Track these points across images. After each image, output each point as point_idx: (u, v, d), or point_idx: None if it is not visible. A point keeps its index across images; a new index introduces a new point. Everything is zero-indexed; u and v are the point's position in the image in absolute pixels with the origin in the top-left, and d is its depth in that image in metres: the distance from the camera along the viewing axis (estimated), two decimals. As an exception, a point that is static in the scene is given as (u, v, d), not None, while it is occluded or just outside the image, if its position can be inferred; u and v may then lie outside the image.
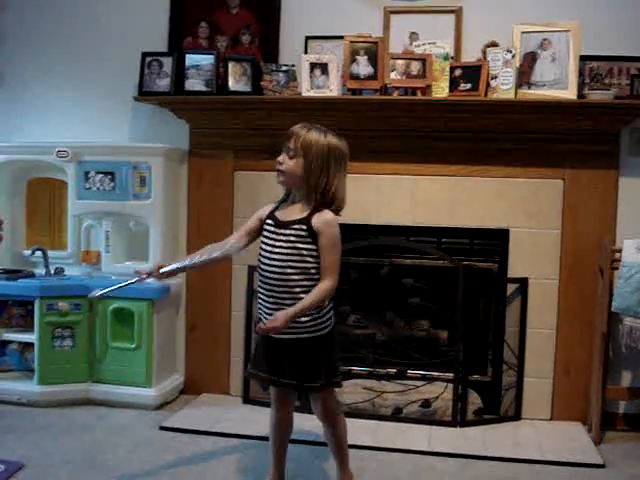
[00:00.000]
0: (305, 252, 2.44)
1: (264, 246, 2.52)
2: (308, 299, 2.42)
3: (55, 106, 4.08)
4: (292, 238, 2.45)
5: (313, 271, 2.45)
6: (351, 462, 2.75)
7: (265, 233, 2.53)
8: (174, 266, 2.61)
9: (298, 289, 2.45)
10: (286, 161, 2.46)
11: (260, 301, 2.55)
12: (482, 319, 3.80)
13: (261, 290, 2.53)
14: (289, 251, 2.45)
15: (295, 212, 2.48)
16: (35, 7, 4.06)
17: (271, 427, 2.72)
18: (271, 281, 2.48)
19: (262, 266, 2.51)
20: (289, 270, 2.44)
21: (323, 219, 2.44)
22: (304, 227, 2.44)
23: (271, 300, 2.49)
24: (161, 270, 2.59)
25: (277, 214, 2.53)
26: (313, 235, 2.43)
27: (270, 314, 2.46)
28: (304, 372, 2.50)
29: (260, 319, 2.55)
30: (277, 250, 2.46)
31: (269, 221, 2.53)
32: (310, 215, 2.44)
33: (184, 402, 3.82)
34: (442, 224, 3.69)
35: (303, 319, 2.45)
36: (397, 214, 3.71)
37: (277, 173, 2.50)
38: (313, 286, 2.45)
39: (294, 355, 2.49)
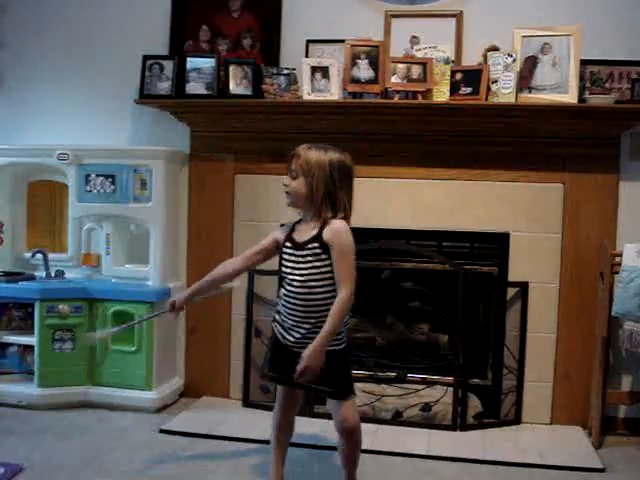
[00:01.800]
0: (324, 268, 2.48)
1: (285, 269, 2.56)
2: (330, 321, 2.43)
3: (56, 109, 4.08)
4: (309, 258, 2.49)
5: (334, 289, 2.49)
6: (351, 465, 2.76)
7: (285, 256, 2.57)
8: (188, 292, 2.71)
9: (322, 307, 2.49)
10: (290, 182, 2.51)
11: (281, 315, 2.59)
12: (482, 323, 3.80)
13: (285, 306, 2.57)
14: (309, 271, 2.49)
15: (307, 230, 2.53)
16: (36, 10, 4.07)
17: (274, 429, 2.72)
18: (295, 301, 2.52)
19: (286, 287, 2.56)
20: (312, 290, 2.49)
21: (332, 230, 2.47)
22: (317, 245, 2.48)
23: (295, 318, 2.53)
24: (177, 301, 2.74)
25: (294, 235, 2.56)
26: (327, 250, 2.47)
27: (293, 330, 2.53)
28: (321, 378, 2.49)
29: (277, 328, 2.62)
30: (297, 272, 2.51)
31: (288, 244, 2.56)
32: (321, 230, 2.48)
33: (184, 405, 3.82)
34: (442, 228, 3.69)
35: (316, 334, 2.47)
36: (398, 218, 3.71)
37: (285, 195, 2.55)
38: (335, 293, 2.49)
39: None
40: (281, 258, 2.59)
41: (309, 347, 2.42)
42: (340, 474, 2.73)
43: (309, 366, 2.40)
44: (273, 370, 2.68)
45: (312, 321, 2.50)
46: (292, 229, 2.59)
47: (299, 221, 2.61)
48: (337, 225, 2.48)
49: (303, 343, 2.49)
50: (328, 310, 2.45)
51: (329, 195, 2.47)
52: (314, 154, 2.48)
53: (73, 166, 3.78)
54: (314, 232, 2.49)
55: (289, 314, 2.54)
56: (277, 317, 2.63)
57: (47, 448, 3.15)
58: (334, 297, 2.47)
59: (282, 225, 2.67)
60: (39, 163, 3.87)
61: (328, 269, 2.48)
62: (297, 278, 2.50)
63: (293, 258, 2.53)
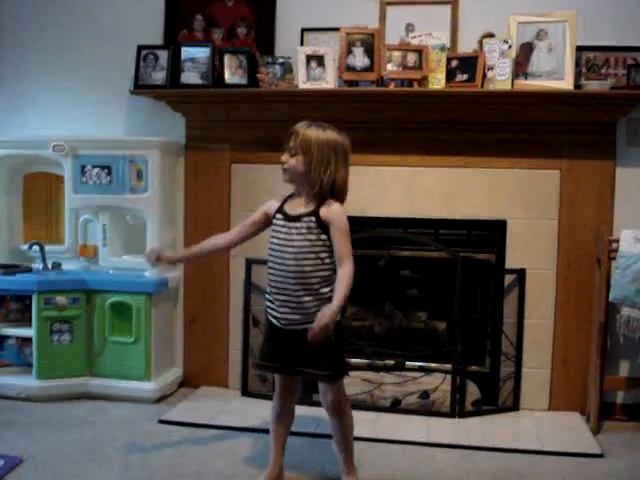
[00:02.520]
0: (317, 243, 2.52)
1: (275, 240, 2.57)
2: (341, 288, 2.47)
3: (51, 100, 4.06)
4: (303, 230, 2.52)
5: (327, 261, 2.54)
6: (350, 454, 2.77)
7: (275, 227, 2.59)
8: (176, 256, 2.72)
9: (313, 280, 2.52)
10: (288, 159, 2.53)
11: (272, 295, 2.60)
12: (480, 310, 3.81)
13: (274, 284, 2.58)
14: (302, 243, 2.51)
15: (302, 206, 2.56)
16: (30, 2, 4.05)
17: (274, 417, 2.73)
18: (285, 274, 2.53)
19: (275, 259, 2.56)
20: (303, 262, 2.51)
21: (331, 209, 2.51)
22: (313, 219, 2.51)
23: (285, 292, 2.54)
24: (162, 255, 2.79)
25: (286, 208, 2.59)
26: (323, 226, 2.51)
27: (284, 307, 2.55)
28: (317, 361, 2.54)
29: (268, 313, 2.63)
30: (289, 243, 2.53)
31: (279, 215, 2.59)
32: (317, 207, 2.52)
33: (183, 395, 3.83)
34: (439, 216, 3.69)
35: (313, 309, 2.50)
36: (394, 206, 3.71)
37: (282, 171, 2.57)
38: (328, 276, 2.54)
39: (305, 345, 2.51)
40: (272, 230, 2.60)
41: (326, 308, 2.44)
42: (337, 462, 2.75)
43: (325, 324, 2.41)
44: (266, 359, 2.67)
45: (302, 293, 2.52)
46: (284, 202, 2.62)
47: (291, 195, 2.63)
48: (336, 206, 2.53)
49: (294, 320, 2.54)
50: (317, 286, 2.51)
51: (326, 174, 2.50)
52: (313, 132, 2.51)
53: (69, 157, 3.77)
54: (311, 207, 2.53)
55: (279, 289, 2.56)
56: (268, 297, 2.64)
57: (46, 440, 3.15)
58: (323, 272, 2.53)
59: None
60: (34, 155, 3.86)
61: (320, 244, 2.52)
62: (289, 250, 2.52)
63: (285, 230, 2.55)
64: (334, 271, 2.53)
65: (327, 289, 2.54)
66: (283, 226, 2.56)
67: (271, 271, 2.59)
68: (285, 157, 2.54)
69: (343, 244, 2.51)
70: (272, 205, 2.65)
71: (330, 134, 2.53)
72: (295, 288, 2.53)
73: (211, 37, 3.83)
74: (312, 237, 2.52)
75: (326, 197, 2.52)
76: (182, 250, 2.76)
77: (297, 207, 2.57)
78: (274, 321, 2.61)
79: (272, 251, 2.58)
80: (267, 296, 2.65)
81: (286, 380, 2.70)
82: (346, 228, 2.53)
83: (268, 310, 2.64)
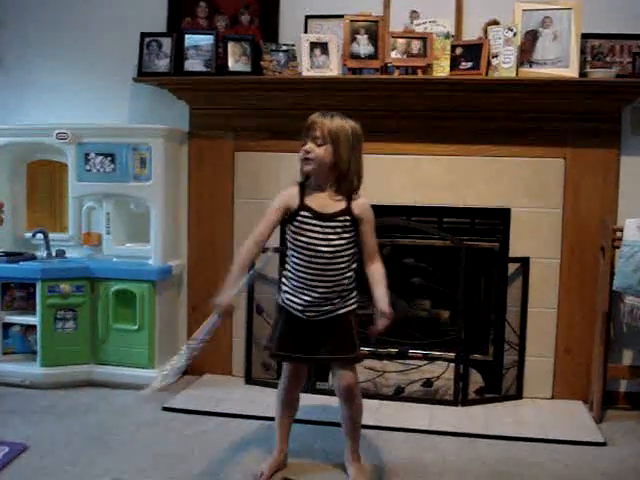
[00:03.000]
0: (351, 240, 2.53)
1: (304, 238, 2.52)
2: (383, 284, 2.54)
3: (54, 88, 4.06)
4: (339, 230, 2.51)
5: (354, 257, 2.57)
6: (353, 441, 2.77)
7: (303, 225, 2.52)
8: (230, 293, 2.53)
9: (346, 275, 2.55)
10: (314, 149, 2.47)
11: (296, 290, 2.56)
12: (483, 299, 3.81)
13: (302, 281, 2.55)
14: (338, 242, 2.51)
15: (331, 202, 2.53)
16: (33, -12, 4.04)
17: (280, 405, 2.74)
18: (320, 272, 2.52)
19: (305, 257, 2.53)
20: (338, 260, 2.52)
21: (362, 205, 2.54)
22: (348, 218, 2.51)
23: (316, 290, 2.53)
24: (226, 306, 2.56)
25: (311, 205, 2.52)
26: (355, 223, 2.52)
27: (312, 302, 2.53)
28: (341, 346, 2.57)
29: (290, 306, 2.59)
30: (325, 242, 2.50)
31: (306, 213, 2.52)
32: (349, 204, 2.52)
33: (186, 383, 3.83)
34: (443, 204, 3.68)
35: (338, 301, 2.56)
36: (398, 194, 3.70)
37: (304, 161, 2.51)
38: (352, 271, 2.57)
39: (331, 331, 2.56)
40: (296, 227, 2.53)
41: (384, 304, 2.49)
42: (341, 450, 2.75)
43: (390, 319, 2.47)
44: (286, 349, 2.62)
45: (332, 290, 2.53)
46: (302, 194, 2.55)
47: (304, 186, 2.56)
48: (364, 200, 2.55)
49: (320, 312, 2.55)
50: (347, 281, 2.55)
51: (353, 164, 2.50)
52: (338, 122, 2.48)
53: (72, 145, 3.77)
54: (342, 205, 2.52)
55: (308, 286, 2.53)
56: (289, 291, 2.59)
57: (50, 427, 3.17)
58: (350, 269, 2.56)
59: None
60: (38, 143, 3.86)
61: (352, 241, 2.54)
62: (325, 249, 2.50)
63: (318, 229, 2.50)
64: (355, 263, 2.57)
65: (352, 282, 2.58)
66: (315, 225, 2.50)
67: (299, 268, 2.54)
68: (310, 146, 2.48)
69: (374, 240, 2.57)
70: (291, 198, 2.54)
71: (352, 123, 2.51)
72: (328, 285, 2.52)
73: (215, 24, 3.82)
74: (347, 235, 2.52)
75: (352, 189, 2.52)
76: (229, 284, 2.54)
77: (324, 204, 2.52)
78: (297, 314, 2.58)
79: (301, 249, 2.52)
80: (288, 289, 2.60)
81: (297, 369, 2.70)
82: (374, 224, 2.57)
83: (290, 303, 2.59)
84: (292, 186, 2.57)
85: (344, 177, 2.49)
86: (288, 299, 2.60)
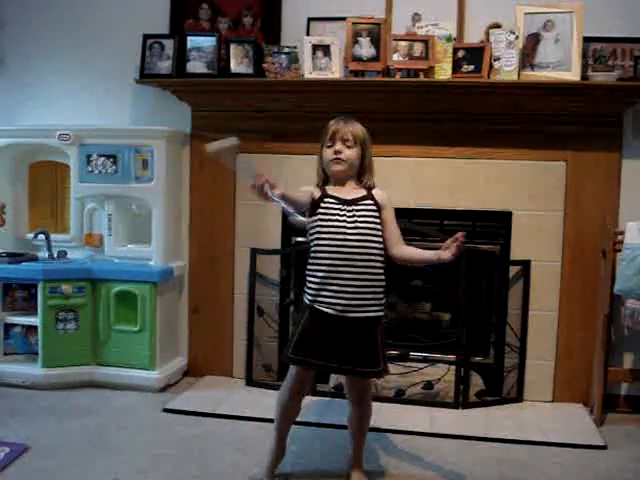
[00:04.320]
0: (377, 223, 2.59)
1: (331, 225, 2.54)
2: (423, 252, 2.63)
3: (57, 89, 4.06)
4: (364, 213, 2.57)
5: (383, 252, 2.60)
6: (353, 443, 2.77)
7: (328, 212, 2.56)
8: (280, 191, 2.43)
9: (378, 259, 2.58)
10: (345, 151, 2.58)
11: (323, 284, 2.53)
12: (484, 301, 3.81)
13: (329, 270, 2.52)
14: (366, 225, 2.56)
15: (351, 191, 2.62)
16: (36, -11, 4.05)
17: (282, 409, 2.69)
18: (350, 256, 2.52)
19: (332, 245, 2.53)
20: (369, 243, 2.55)
21: (382, 194, 2.65)
22: (372, 202, 2.60)
23: (346, 277, 2.51)
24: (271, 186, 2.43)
25: (334, 193, 2.60)
26: (378, 208, 2.60)
27: (342, 292, 2.51)
28: (365, 359, 2.55)
29: (318, 302, 2.54)
30: (352, 225, 2.54)
31: (332, 200, 2.58)
32: (369, 192, 2.62)
33: (187, 384, 3.84)
34: (444, 206, 3.68)
35: (370, 294, 2.55)
36: (399, 196, 3.67)
37: (336, 162, 2.58)
38: (382, 269, 2.58)
39: (356, 340, 2.53)
40: (322, 215, 2.56)
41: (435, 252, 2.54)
42: (341, 453, 2.75)
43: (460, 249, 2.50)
44: (305, 351, 2.54)
45: (365, 276, 2.53)
46: (323, 190, 2.62)
47: (324, 184, 2.65)
48: (383, 191, 2.67)
49: (351, 306, 2.51)
50: (379, 264, 2.57)
51: (370, 161, 2.66)
52: (359, 125, 2.64)
53: (74, 146, 3.78)
54: (362, 192, 2.62)
55: (338, 275, 2.51)
56: (316, 286, 2.55)
57: (51, 428, 3.17)
58: (381, 255, 2.58)
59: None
60: (40, 144, 3.87)
61: (379, 225, 2.59)
62: (352, 232, 2.53)
63: (344, 213, 2.55)
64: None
65: (382, 285, 2.58)
66: (340, 210, 2.55)
67: (325, 256, 2.53)
68: (340, 147, 2.58)
69: (396, 226, 2.65)
70: (313, 191, 2.62)
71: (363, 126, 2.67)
72: (360, 270, 2.52)
73: (217, 26, 3.82)
74: (372, 219, 2.57)
75: (371, 183, 2.65)
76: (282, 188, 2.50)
77: (346, 193, 2.60)
78: (324, 308, 2.53)
79: (328, 238, 2.53)
80: (313, 286, 2.56)
81: (306, 376, 2.64)
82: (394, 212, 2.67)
83: (318, 299, 2.54)
84: (312, 186, 2.66)
85: (364, 173, 2.64)
86: (313, 295, 2.55)
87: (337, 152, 2.58)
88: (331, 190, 2.61)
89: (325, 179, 2.66)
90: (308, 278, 2.60)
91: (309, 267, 2.60)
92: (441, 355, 3.75)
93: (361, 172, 2.65)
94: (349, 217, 2.54)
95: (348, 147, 2.59)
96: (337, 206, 2.56)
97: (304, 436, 3.11)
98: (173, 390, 3.75)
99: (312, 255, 2.59)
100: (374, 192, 2.63)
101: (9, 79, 4.12)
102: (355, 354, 2.53)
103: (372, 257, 2.54)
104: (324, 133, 2.63)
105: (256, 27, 3.79)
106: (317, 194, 2.60)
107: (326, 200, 2.58)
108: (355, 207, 2.57)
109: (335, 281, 2.52)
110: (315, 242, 2.57)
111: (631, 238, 3.24)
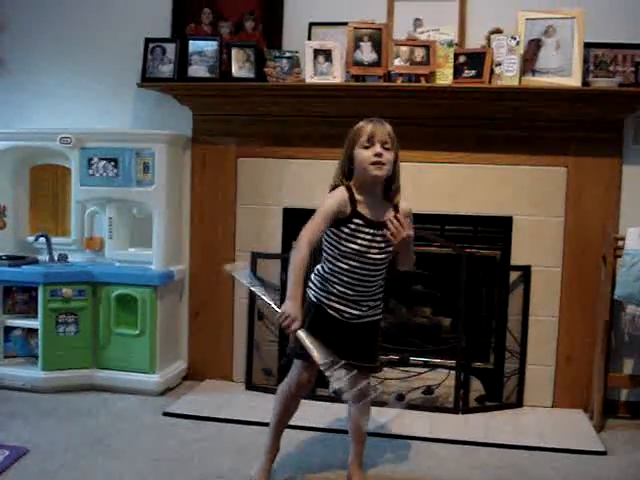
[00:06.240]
0: (392, 247, 2.57)
1: (355, 245, 2.51)
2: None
3: (58, 92, 4.06)
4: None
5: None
6: (353, 448, 2.77)
7: (356, 234, 2.51)
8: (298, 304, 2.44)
9: (382, 281, 2.62)
10: (385, 154, 2.49)
11: (339, 295, 2.55)
12: (485, 307, 3.81)
13: (348, 286, 2.54)
14: (387, 249, 2.56)
15: (381, 209, 2.56)
16: (38, -7, 4.06)
17: (284, 405, 2.70)
18: (369, 277, 2.55)
19: (355, 263, 2.52)
20: (383, 265, 2.58)
21: (408, 212, 2.63)
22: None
23: (363, 294, 2.57)
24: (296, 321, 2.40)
25: (363, 212, 2.52)
26: None
27: (356, 304, 2.56)
28: (364, 353, 2.61)
29: (331, 307, 2.56)
30: (376, 250, 2.54)
31: (359, 221, 2.51)
32: (396, 211, 2.57)
33: (187, 388, 3.84)
34: (445, 211, 3.69)
35: (377, 305, 2.63)
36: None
37: (377, 165, 2.48)
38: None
39: (359, 337, 2.58)
40: (347, 234, 2.51)
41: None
42: (341, 457, 2.75)
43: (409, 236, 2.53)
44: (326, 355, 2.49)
45: (378, 291, 2.61)
46: (353, 200, 2.52)
47: (351, 190, 2.53)
48: (407, 205, 2.64)
49: (360, 315, 2.58)
50: (382, 285, 2.62)
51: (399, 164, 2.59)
52: (390, 127, 2.55)
53: (76, 150, 3.78)
54: (390, 212, 2.56)
55: (356, 291, 2.54)
56: (332, 297, 2.56)
57: (51, 431, 3.17)
58: (385, 273, 2.61)
59: (332, 190, 2.57)
60: (41, 147, 3.87)
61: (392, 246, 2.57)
62: (376, 256, 2.53)
63: (369, 237, 2.52)
64: None
65: (383, 288, 2.66)
66: (367, 233, 2.51)
67: (346, 274, 2.53)
68: (381, 150, 2.48)
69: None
70: (344, 203, 2.50)
71: None
72: (373, 290, 2.58)
73: (219, 31, 3.82)
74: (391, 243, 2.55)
75: (398, 191, 2.60)
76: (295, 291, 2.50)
77: (374, 209, 2.54)
78: (336, 314, 2.56)
79: (351, 255, 2.51)
80: (325, 294, 2.57)
81: (312, 373, 2.64)
82: None
83: (329, 303, 2.56)
84: (341, 189, 2.54)
85: (394, 179, 2.57)
86: (327, 302, 2.57)
87: (378, 155, 2.47)
88: (361, 206, 2.51)
89: (348, 178, 2.55)
90: (321, 280, 2.59)
91: (324, 273, 2.59)
92: (441, 360, 3.76)
93: (396, 177, 2.58)
94: (375, 242, 2.52)
95: (387, 149, 2.49)
96: (364, 229, 2.51)
97: (304, 440, 3.11)
98: (173, 394, 3.75)
99: (330, 266, 2.56)
100: (400, 207, 2.58)
101: (11, 82, 4.12)
102: (356, 351, 2.56)
103: (384, 272, 2.59)
104: (356, 134, 2.53)
105: (258, 31, 3.79)
106: (347, 211, 2.50)
107: (355, 221, 2.50)
108: (381, 232, 2.51)
109: (350, 296, 2.56)
110: (337, 254, 2.54)
111: (631, 244, 3.24)
